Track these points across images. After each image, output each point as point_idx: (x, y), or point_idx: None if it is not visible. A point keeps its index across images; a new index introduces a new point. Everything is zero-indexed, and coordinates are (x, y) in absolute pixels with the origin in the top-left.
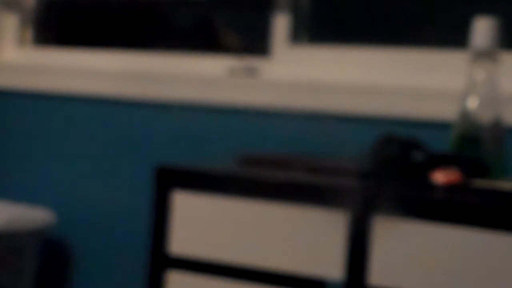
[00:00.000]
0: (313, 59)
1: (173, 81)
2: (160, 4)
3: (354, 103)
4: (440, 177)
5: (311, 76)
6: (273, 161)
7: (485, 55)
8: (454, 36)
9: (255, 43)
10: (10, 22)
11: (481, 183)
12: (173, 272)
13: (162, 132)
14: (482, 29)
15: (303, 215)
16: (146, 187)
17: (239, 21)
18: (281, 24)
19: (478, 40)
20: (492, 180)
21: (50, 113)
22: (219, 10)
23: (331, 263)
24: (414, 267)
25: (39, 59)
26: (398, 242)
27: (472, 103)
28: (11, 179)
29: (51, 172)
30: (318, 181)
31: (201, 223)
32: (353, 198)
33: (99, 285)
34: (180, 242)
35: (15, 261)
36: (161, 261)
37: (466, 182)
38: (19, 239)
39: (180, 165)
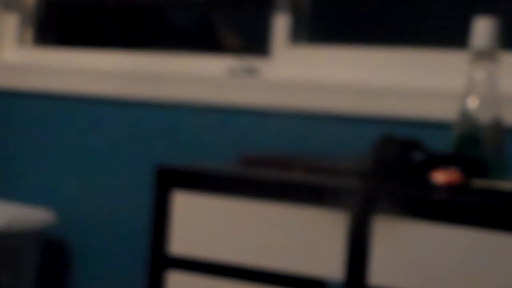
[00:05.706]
0: (313, 59)
1: (173, 81)
2: (160, 4)
3: (354, 103)
4: (440, 177)
5: (311, 76)
6: (273, 161)
7: (485, 55)
8: (454, 36)
9: (255, 43)
10: (10, 22)
11: (481, 183)
12: (173, 272)
13: (162, 132)
14: (482, 29)
15: (303, 215)
16: (146, 187)
17: (239, 21)
18: (281, 24)
19: (478, 40)
20: (492, 180)
21: (50, 113)
22: (219, 10)
23: (331, 263)
24: (414, 267)
25: (39, 59)
26: (398, 242)
27: (472, 103)
28: (11, 179)
29: (51, 172)
30: (318, 181)
31: (201, 223)
32: (353, 198)
33: (99, 285)
34: (180, 242)
35: (15, 261)
36: (161, 261)
37: (466, 182)
38: (19, 239)
39: (180, 165)
